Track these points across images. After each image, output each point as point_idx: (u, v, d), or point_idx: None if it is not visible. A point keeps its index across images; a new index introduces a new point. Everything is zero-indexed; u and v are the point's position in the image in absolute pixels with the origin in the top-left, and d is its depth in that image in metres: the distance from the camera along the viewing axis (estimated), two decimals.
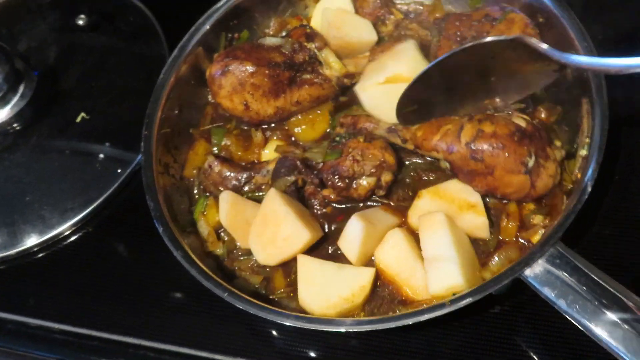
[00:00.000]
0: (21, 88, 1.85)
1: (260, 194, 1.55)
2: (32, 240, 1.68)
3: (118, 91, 1.89)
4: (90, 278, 1.64)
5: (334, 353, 1.44)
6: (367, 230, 1.39)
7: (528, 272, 1.23)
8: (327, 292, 1.36)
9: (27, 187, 1.76)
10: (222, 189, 1.56)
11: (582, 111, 1.41)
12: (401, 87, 1.43)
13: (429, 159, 1.51)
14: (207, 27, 1.69)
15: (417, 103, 1.43)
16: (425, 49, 1.59)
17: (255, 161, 1.62)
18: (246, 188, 1.56)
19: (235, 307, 1.33)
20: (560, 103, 1.49)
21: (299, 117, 1.64)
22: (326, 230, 1.50)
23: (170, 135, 1.63)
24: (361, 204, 1.51)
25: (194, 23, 1.69)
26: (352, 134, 1.52)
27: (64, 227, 1.69)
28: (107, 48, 1.99)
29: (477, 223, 1.39)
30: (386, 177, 1.45)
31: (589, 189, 1.27)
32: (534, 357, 1.36)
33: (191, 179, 1.64)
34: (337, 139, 1.51)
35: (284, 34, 1.68)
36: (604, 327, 1.15)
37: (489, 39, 1.27)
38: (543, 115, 1.47)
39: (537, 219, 1.38)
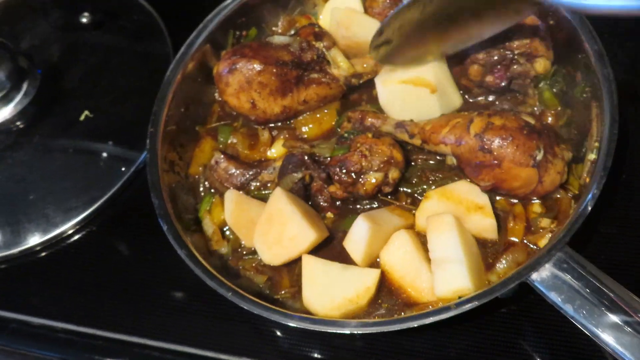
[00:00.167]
0: (25, 86, 1.85)
1: (267, 191, 1.54)
2: (35, 239, 1.68)
3: (122, 90, 1.89)
4: (93, 277, 1.64)
5: (338, 354, 1.43)
6: (373, 231, 1.39)
7: (535, 276, 1.22)
8: (332, 293, 1.36)
9: (31, 186, 1.76)
10: (227, 185, 1.56)
11: (591, 115, 1.41)
12: (420, 92, 1.46)
13: (437, 157, 1.51)
14: (215, 24, 1.68)
15: (393, 39, 1.45)
16: None
17: (262, 159, 1.62)
18: (252, 185, 1.56)
19: (239, 306, 1.33)
20: (570, 106, 1.49)
21: (306, 115, 1.64)
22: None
23: (176, 132, 1.63)
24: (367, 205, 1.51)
25: (198, 21, 1.69)
26: (360, 130, 1.52)
27: (68, 226, 1.69)
28: (111, 46, 1.99)
29: (485, 224, 1.39)
30: (393, 174, 1.45)
31: (597, 194, 1.27)
32: None
33: (196, 177, 1.64)
34: (346, 134, 1.51)
35: (292, 32, 1.67)
36: (610, 333, 1.14)
37: None
38: (550, 120, 1.47)
39: (545, 223, 1.38)
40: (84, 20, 2.03)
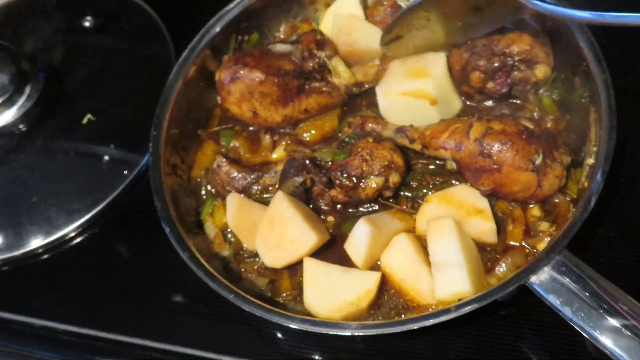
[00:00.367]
0: (27, 89, 1.85)
1: (268, 195, 1.55)
2: (37, 242, 1.69)
3: (124, 92, 1.89)
4: (95, 279, 1.64)
5: (339, 356, 1.44)
6: (374, 235, 1.39)
7: (534, 279, 1.23)
8: (333, 296, 1.37)
9: (33, 189, 1.76)
10: (229, 189, 1.57)
11: (590, 120, 1.42)
12: (421, 104, 1.48)
13: (437, 162, 1.52)
14: (217, 28, 1.69)
15: (404, 34, 1.52)
16: None
17: (264, 163, 1.62)
18: (254, 189, 1.57)
19: (240, 308, 1.33)
20: (568, 111, 1.50)
21: (308, 122, 1.65)
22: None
23: (179, 136, 1.63)
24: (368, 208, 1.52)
25: (199, 23, 1.69)
26: (361, 135, 1.53)
27: (70, 229, 1.69)
28: (113, 49, 1.99)
29: (485, 228, 1.39)
30: (394, 179, 1.46)
31: (596, 198, 1.28)
32: None
33: (199, 180, 1.64)
34: (346, 139, 1.52)
35: (294, 37, 1.67)
36: (608, 335, 1.15)
37: None
38: (549, 125, 1.48)
39: (544, 226, 1.39)
40: (86, 23, 2.03)
